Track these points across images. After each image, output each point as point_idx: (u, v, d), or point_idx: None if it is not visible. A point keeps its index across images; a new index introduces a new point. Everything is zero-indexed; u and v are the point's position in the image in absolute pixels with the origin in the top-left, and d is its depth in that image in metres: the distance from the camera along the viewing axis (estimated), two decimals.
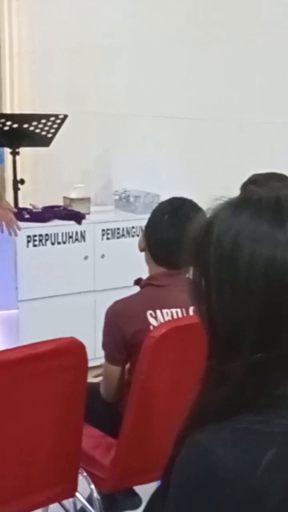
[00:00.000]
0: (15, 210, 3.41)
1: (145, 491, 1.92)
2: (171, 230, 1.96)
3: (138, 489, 2.21)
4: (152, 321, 1.95)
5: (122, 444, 1.86)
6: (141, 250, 2.10)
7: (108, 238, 3.63)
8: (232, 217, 0.87)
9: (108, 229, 3.64)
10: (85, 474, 1.98)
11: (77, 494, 1.92)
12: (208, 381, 0.90)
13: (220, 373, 0.87)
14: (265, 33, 3.12)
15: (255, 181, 2.18)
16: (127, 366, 2.05)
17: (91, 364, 2.30)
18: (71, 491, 1.85)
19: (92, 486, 1.98)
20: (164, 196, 2.88)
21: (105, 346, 2.04)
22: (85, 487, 1.99)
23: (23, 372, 1.54)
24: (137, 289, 2.11)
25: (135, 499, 2.24)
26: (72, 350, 1.62)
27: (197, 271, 0.90)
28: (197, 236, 0.90)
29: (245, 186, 1.95)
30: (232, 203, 0.90)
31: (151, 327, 1.91)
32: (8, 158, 3.89)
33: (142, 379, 1.76)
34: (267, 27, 3.11)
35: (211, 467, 0.82)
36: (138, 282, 2.14)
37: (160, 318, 1.96)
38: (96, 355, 2.19)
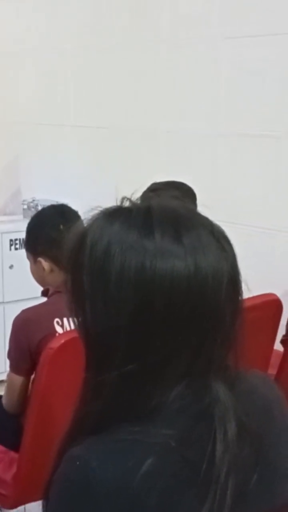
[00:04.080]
0: None
1: None
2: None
3: None
4: (58, 329, 1.94)
5: (23, 458, 1.82)
6: (50, 271, 2.07)
7: (16, 248, 3.57)
8: (105, 227, 0.87)
9: (16, 239, 3.57)
10: None
11: None
12: (85, 393, 0.90)
13: (95, 385, 0.87)
14: (168, 40, 3.16)
15: (155, 190, 2.20)
16: (32, 377, 2.01)
17: (1, 377, 2.26)
18: None
19: None
20: (72, 204, 2.87)
21: (9, 354, 2.01)
22: None
23: None
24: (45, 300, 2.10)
25: None
26: None
27: (72, 281, 0.90)
28: (72, 246, 0.90)
29: (144, 195, 1.98)
30: (105, 213, 0.90)
31: (57, 335, 1.89)
32: None
33: (40, 391, 1.74)
34: (170, 33, 3.16)
35: (87, 481, 0.81)
36: (45, 293, 2.12)
37: (66, 326, 1.94)
38: (7, 368, 2.14)
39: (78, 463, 0.83)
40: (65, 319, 1.95)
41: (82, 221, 0.94)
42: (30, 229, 2.15)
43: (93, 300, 0.86)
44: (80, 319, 0.89)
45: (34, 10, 3.90)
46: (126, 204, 0.91)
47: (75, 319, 0.90)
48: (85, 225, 0.91)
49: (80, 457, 0.83)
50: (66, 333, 1.84)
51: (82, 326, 0.89)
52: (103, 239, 0.85)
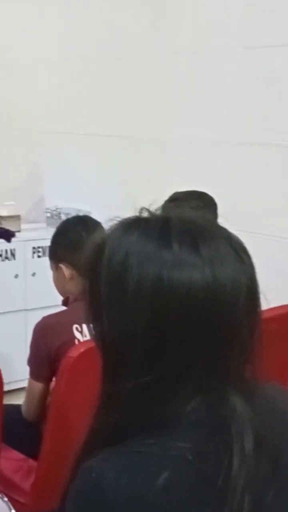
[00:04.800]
0: None
1: None
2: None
3: None
4: (77, 335, 1.95)
5: (42, 467, 1.82)
6: (70, 278, 2.08)
7: (39, 256, 3.59)
8: (123, 238, 0.87)
9: (39, 247, 3.59)
10: (6, 499, 1.93)
11: None
12: (101, 404, 0.89)
13: (111, 396, 0.86)
14: (187, 49, 3.16)
15: (176, 199, 2.20)
16: (52, 384, 2.02)
17: (23, 384, 2.27)
18: None
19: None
20: (95, 213, 2.88)
21: (30, 361, 2.03)
22: None
23: None
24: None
25: None
26: None
27: (90, 291, 0.90)
28: (91, 256, 0.90)
29: (166, 204, 1.98)
30: (124, 223, 0.90)
31: (76, 341, 1.90)
32: None
33: (59, 399, 1.74)
34: (188, 43, 3.16)
35: (102, 494, 0.81)
36: (65, 302, 2.13)
37: (86, 332, 1.95)
38: (28, 375, 2.15)
39: (94, 475, 0.82)
40: (84, 326, 1.96)
41: (103, 231, 0.94)
42: (54, 236, 2.19)
43: (110, 309, 0.85)
44: (96, 328, 0.89)
45: (52, 19, 3.93)
46: (145, 214, 0.91)
47: (92, 328, 0.90)
48: (101, 236, 0.91)
49: (96, 469, 0.82)
50: (85, 342, 1.85)
51: (98, 335, 0.89)
52: (121, 249, 0.85)
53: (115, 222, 0.92)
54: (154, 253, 0.83)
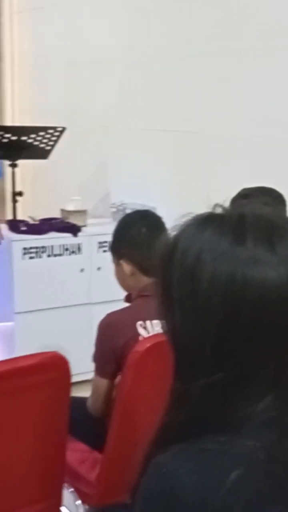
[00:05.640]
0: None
1: None
2: (153, 240, 1.98)
3: None
4: (142, 331, 1.95)
5: (107, 459, 1.85)
6: (131, 274, 2.09)
7: (104, 251, 3.61)
8: (196, 234, 0.86)
9: (104, 242, 3.62)
10: (72, 489, 1.97)
11: (63, 510, 1.91)
12: (172, 401, 0.89)
13: (182, 393, 0.86)
14: (255, 47, 3.12)
15: (246, 196, 2.18)
16: (117, 379, 2.04)
17: (87, 377, 2.31)
18: (55, 507, 1.83)
19: (78, 502, 1.97)
20: (160, 209, 2.89)
21: (95, 358, 2.05)
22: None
23: (3, 387, 1.53)
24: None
25: None
26: (54, 364, 1.61)
27: (162, 287, 0.90)
28: (164, 252, 0.90)
29: (235, 201, 1.97)
30: (197, 219, 0.89)
31: (140, 338, 1.91)
32: (8, 170, 3.90)
33: (125, 394, 1.75)
34: (257, 42, 3.12)
35: (172, 489, 0.81)
36: (128, 298, 2.14)
37: (149, 328, 1.96)
38: (92, 367, 2.18)
39: (164, 470, 0.82)
40: (148, 322, 1.97)
41: (165, 227, 0.94)
42: (115, 232, 2.19)
43: (182, 306, 0.85)
44: (168, 324, 0.89)
45: (119, 18, 3.94)
46: (218, 210, 0.90)
47: (164, 324, 0.90)
48: (175, 231, 0.90)
49: (166, 465, 0.83)
50: (151, 337, 1.85)
51: (170, 331, 0.89)
52: (194, 246, 0.85)
53: (187, 218, 0.91)
54: (228, 250, 0.82)
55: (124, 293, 2.21)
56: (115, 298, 3.24)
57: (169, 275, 0.87)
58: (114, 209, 3.85)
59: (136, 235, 2.08)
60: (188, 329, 0.85)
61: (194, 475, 0.80)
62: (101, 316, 2.06)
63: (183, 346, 0.86)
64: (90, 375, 2.12)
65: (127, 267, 2.08)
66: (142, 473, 0.87)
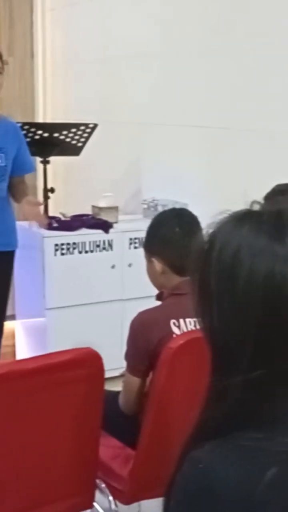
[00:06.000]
0: (41, 202, 3.42)
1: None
2: (186, 239, 1.99)
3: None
4: (175, 330, 1.95)
5: (140, 456, 1.85)
6: (162, 272, 2.09)
7: (135, 247, 3.63)
8: (234, 231, 0.86)
9: (135, 238, 3.63)
10: (103, 485, 1.98)
11: (95, 505, 1.92)
12: (210, 397, 0.89)
13: (221, 389, 0.86)
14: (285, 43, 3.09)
15: (282, 192, 2.15)
16: (149, 377, 2.03)
17: (117, 373, 2.32)
18: (88, 502, 1.84)
19: (110, 498, 1.97)
20: (192, 205, 2.88)
21: (127, 356, 2.04)
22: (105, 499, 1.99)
23: (37, 383, 1.54)
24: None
25: None
26: (88, 361, 1.62)
27: (199, 284, 0.89)
28: (201, 249, 0.90)
29: (269, 197, 1.95)
30: (235, 216, 0.89)
31: (174, 336, 1.90)
32: (39, 167, 3.92)
33: (159, 391, 1.75)
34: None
35: (209, 485, 0.81)
36: (160, 296, 2.14)
37: (183, 327, 1.95)
38: (123, 364, 2.18)
39: (201, 465, 0.83)
40: (181, 320, 1.96)
41: (199, 225, 0.94)
42: (148, 229, 2.19)
43: (220, 304, 0.85)
44: (206, 322, 0.89)
45: (154, 13, 3.93)
46: (256, 207, 0.89)
47: (201, 321, 0.90)
48: (212, 228, 0.90)
49: (203, 460, 0.83)
50: (185, 333, 1.85)
51: (207, 329, 0.89)
52: (232, 243, 0.84)
53: (224, 215, 0.91)
54: (266, 247, 0.82)
55: (155, 290, 2.21)
56: (146, 294, 3.26)
57: (207, 273, 0.87)
58: (145, 206, 3.85)
59: (168, 234, 2.07)
60: (227, 327, 0.84)
61: (231, 471, 0.80)
62: (132, 312, 2.06)
63: (221, 344, 0.86)
64: (121, 371, 2.13)
65: (158, 265, 2.08)
66: (178, 469, 0.88)
